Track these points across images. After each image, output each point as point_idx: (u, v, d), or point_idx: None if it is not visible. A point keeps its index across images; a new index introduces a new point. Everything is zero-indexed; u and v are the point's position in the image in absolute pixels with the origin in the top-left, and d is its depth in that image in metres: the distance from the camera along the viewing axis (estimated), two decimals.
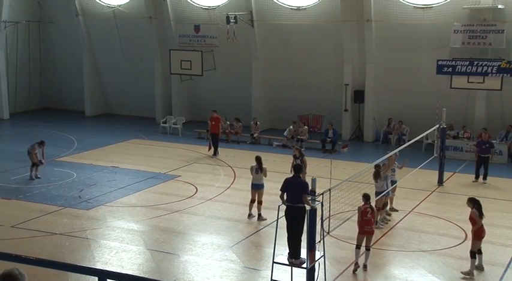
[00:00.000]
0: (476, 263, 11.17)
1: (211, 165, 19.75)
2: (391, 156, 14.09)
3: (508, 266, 11.52)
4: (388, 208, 14.57)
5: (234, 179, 17.88)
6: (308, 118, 25.10)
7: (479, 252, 11.18)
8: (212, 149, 20.96)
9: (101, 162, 19.55)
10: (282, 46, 25.06)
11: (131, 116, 28.33)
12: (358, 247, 11.23)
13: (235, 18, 23.74)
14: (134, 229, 13.70)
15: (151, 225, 13.95)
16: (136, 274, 11.05)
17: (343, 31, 23.50)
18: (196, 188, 16.90)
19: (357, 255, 11.22)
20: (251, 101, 25.91)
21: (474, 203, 11.19)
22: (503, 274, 11.20)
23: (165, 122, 25.58)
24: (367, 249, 11.32)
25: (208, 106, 26.50)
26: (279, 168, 17.77)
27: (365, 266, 11.31)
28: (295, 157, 15.95)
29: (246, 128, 23.98)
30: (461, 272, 11.03)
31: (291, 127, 23.09)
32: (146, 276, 10.93)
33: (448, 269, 11.46)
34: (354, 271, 11.18)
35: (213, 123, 21.20)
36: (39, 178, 17.45)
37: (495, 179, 17.73)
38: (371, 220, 11.30)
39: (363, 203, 11.42)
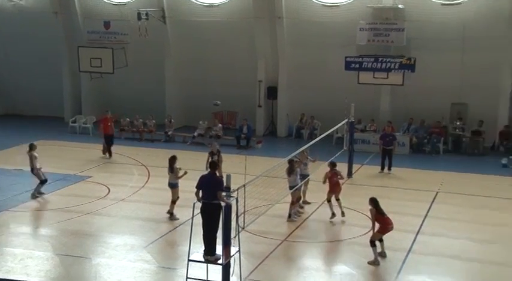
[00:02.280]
0: (379, 251, 11.78)
1: (124, 164, 19.36)
2: (303, 151, 14.52)
3: (409, 250, 12.22)
4: (301, 201, 14.99)
5: (148, 178, 17.65)
6: (222, 115, 25.23)
7: (380, 240, 11.80)
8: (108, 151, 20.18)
9: (3, 165, 18.56)
10: (195, 43, 24.97)
11: (38, 116, 27.12)
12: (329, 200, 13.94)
13: (146, 14, 23.37)
14: (41, 234, 13.18)
15: (60, 229, 13.46)
16: None
17: (255, 28, 23.82)
18: (108, 188, 16.51)
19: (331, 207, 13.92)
20: (165, 98, 25.65)
21: (371, 202, 11.76)
22: (405, 258, 11.89)
23: (74, 122, 24.77)
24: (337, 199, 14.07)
25: (120, 104, 25.96)
26: (194, 165, 17.72)
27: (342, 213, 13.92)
28: (211, 153, 16.00)
29: (160, 126, 23.71)
30: (368, 262, 11.58)
31: (200, 122, 23.09)
32: None
33: (357, 257, 11.98)
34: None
35: (109, 124, 20.45)
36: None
37: (399, 169, 18.70)
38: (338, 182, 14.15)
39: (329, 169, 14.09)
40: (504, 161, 19.48)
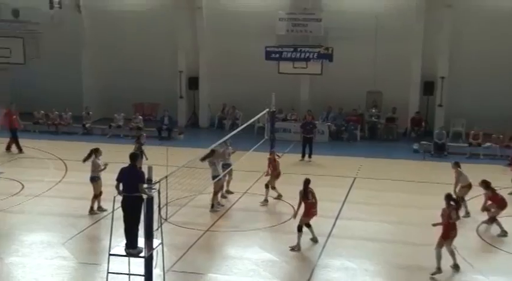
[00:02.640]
0: (310, 236, 12.13)
1: (38, 159, 18.62)
2: (225, 142, 14.58)
3: (329, 235, 12.65)
4: (224, 190, 15.09)
5: (66, 172, 17.09)
6: (143, 106, 24.83)
7: (308, 226, 12.13)
8: (13, 146, 19.39)
9: None
10: (112, 33, 24.33)
11: None
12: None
13: (59, 3, 22.45)
14: None
15: None
16: None
17: (175, 18, 23.55)
18: (22, 184, 15.84)
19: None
20: (82, 90, 24.84)
21: (304, 183, 12.28)
22: (326, 242, 12.30)
23: None
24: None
25: (34, 97, 24.87)
26: (114, 158, 17.33)
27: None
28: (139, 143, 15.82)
29: (77, 118, 22.96)
30: (289, 248, 11.86)
31: (116, 115, 22.64)
32: None
33: (280, 245, 12.24)
34: None
35: (14, 117, 19.63)
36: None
37: (319, 157, 19.22)
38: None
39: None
40: (415, 146, 20.51)
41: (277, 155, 15.70)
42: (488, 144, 19.82)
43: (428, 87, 22.49)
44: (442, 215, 10.80)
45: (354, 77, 22.92)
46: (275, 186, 14.86)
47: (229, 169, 14.96)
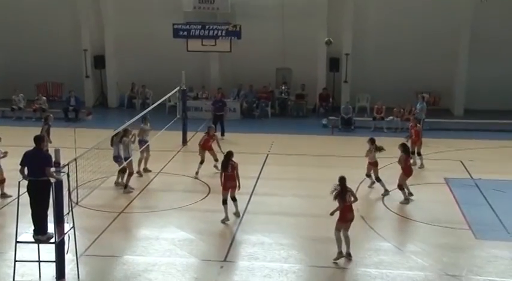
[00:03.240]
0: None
1: None
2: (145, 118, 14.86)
3: (244, 211, 12.82)
4: (142, 168, 14.89)
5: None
6: (46, 86, 23.72)
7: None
8: None
9: None
10: (9, 7, 22.85)
11: None
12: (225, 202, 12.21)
13: None
14: None
15: None
16: None
17: None
18: None
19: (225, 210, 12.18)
20: None
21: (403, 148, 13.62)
22: (241, 219, 12.47)
23: None
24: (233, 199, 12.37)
25: None
26: (18, 142, 16.47)
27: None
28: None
29: None
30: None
31: (14, 97, 21.53)
32: None
33: (196, 223, 12.31)
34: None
35: None
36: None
37: (231, 134, 19.33)
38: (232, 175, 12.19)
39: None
40: (324, 121, 21.20)
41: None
42: (390, 118, 20.87)
43: (334, 64, 23.17)
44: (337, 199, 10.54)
45: (263, 54, 23.13)
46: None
47: (146, 145, 14.77)
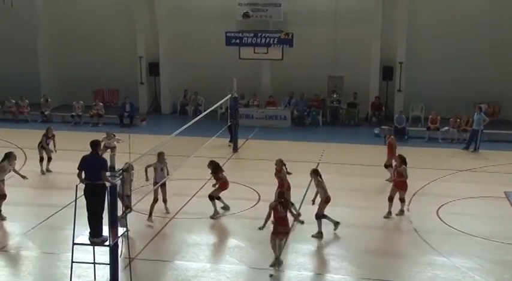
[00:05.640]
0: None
1: None
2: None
3: (294, 220, 12.72)
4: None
5: (25, 161, 16.67)
6: (103, 93, 24.42)
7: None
8: None
9: None
10: (69, 17, 23.74)
11: None
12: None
13: None
14: None
15: None
16: None
17: (133, 2, 23.09)
18: None
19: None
20: (39, 77, 24.19)
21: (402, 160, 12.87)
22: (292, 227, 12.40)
23: None
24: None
25: None
26: (73, 146, 17.03)
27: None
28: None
29: (36, 105, 22.42)
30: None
31: (74, 103, 22.21)
32: None
33: (246, 230, 12.31)
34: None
35: None
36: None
37: (281, 142, 19.26)
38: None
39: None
40: (376, 131, 20.87)
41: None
42: (446, 128, 20.34)
43: (387, 72, 22.84)
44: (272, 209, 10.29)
45: (315, 62, 23.06)
46: None
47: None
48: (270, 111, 22.32)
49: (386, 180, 15.24)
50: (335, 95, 23.03)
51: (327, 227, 12.35)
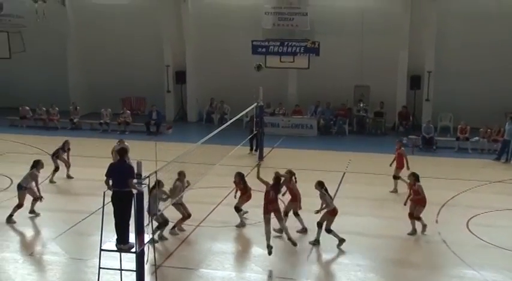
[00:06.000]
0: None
1: (28, 154, 18.38)
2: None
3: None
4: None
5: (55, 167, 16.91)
6: (131, 101, 24.71)
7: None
8: None
9: None
10: (98, 26, 24.12)
11: None
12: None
13: None
14: None
15: None
16: None
17: (160, 11, 23.39)
18: (11, 179, 15.65)
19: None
20: (68, 85, 24.61)
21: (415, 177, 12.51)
22: None
23: None
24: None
25: (20, 91, 24.67)
26: (101, 153, 17.25)
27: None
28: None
29: (64, 113, 22.79)
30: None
31: (102, 110, 22.49)
32: None
33: (271, 239, 12.21)
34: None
35: None
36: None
37: (307, 151, 19.17)
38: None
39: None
40: (404, 140, 20.54)
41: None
42: (476, 138, 19.98)
43: (415, 81, 22.61)
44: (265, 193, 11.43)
45: (341, 71, 22.98)
46: None
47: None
48: (296, 120, 22.26)
49: (390, 191, 15.12)
50: (361, 104, 22.87)
51: (350, 237, 12.21)
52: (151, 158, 11.17)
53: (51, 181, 15.72)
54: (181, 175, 12.63)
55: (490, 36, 21.57)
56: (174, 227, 12.48)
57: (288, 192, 12.75)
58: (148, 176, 10.07)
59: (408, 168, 14.84)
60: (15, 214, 12.87)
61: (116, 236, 9.92)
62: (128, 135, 21.00)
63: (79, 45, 24.53)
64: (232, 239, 12.32)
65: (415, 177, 12.60)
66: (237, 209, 12.93)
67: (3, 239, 12.03)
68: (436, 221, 13.06)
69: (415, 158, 19.16)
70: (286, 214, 12.46)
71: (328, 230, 11.71)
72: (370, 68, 22.82)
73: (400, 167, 15.17)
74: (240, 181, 13.13)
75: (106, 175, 10.04)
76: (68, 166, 16.10)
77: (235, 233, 12.61)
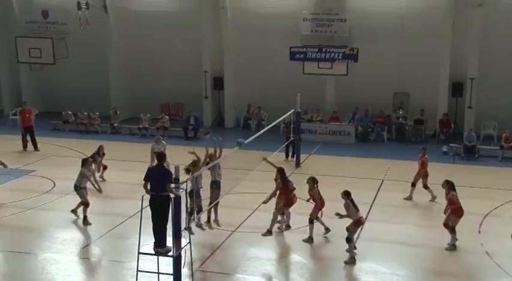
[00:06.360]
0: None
1: (69, 157, 18.82)
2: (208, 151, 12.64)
3: (357, 237, 12.44)
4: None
5: (102, 171, 17.23)
6: (169, 106, 24.99)
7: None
8: (29, 144, 19.71)
9: None
10: (138, 33, 24.51)
11: None
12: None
13: (86, 3, 22.69)
14: None
15: (3, 225, 13.01)
16: None
17: (199, 18, 23.60)
18: (53, 182, 16.03)
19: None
20: (109, 89, 25.08)
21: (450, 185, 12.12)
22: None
23: (15, 114, 23.78)
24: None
25: (63, 96, 25.30)
26: (140, 157, 17.49)
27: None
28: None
29: (105, 117, 23.24)
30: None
31: (141, 115, 22.78)
32: None
33: (307, 246, 12.17)
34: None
35: (27, 116, 19.98)
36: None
37: (345, 158, 18.96)
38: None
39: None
40: (445, 148, 20.16)
41: None
42: None
43: (457, 89, 22.13)
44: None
45: (380, 77, 22.69)
46: None
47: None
48: (334, 127, 22.07)
49: (404, 199, 14.95)
50: (401, 112, 22.51)
51: (389, 246, 12.00)
52: (189, 163, 11.27)
53: (102, 179, 16.03)
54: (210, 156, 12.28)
55: None
56: (209, 219, 12.48)
57: (312, 199, 12.69)
58: (186, 181, 10.15)
59: (426, 175, 14.86)
60: (88, 214, 13.08)
61: (153, 240, 10.02)
62: (166, 140, 21.17)
63: (120, 51, 24.98)
64: (268, 245, 12.26)
65: (449, 185, 12.17)
66: (311, 220, 12.54)
67: (44, 240, 12.32)
68: (479, 232, 12.70)
69: (456, 166, 18.81)
70: (311, 221, 12.35)
71: (349, 239, 11.40)
72: (410, 74, 22.46)
73: (424, 175, 14.86)
74: (278, 177, 12.86)
75: (144, 179, 10.17)
76: (103, 168, 16.34)
77: (271, 239, 12.53)
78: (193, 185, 11.40)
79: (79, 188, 13.21)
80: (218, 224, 12.62)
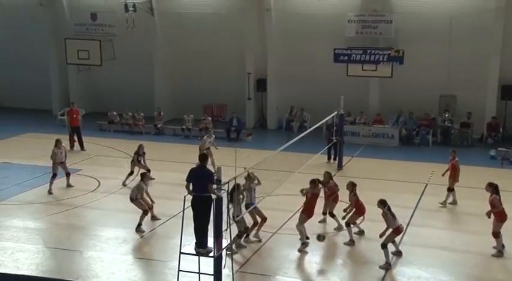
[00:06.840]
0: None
1: (113, 157, 19.28)
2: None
3: (400, 242, 12.24)
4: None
5: (139, 171, 17.50)
6: (212, 107, 25.22)
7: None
8: (76, 144, 20.20)
9: None
10: (183, 35, 24.85)
11: (24, 109, 26.86)
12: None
13: (134, 6, 23.21)
14: (31, 227, 13.09)
15: (51, 222, 13.42)
16: (34, 275, 10.63)
17: (243, 20, 23.74)
18: (98, 181, 16.43)
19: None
20: (154, 91, 25.52)
21: (493, 188, 11.77)
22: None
23: (63, 115, 24.53)
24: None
25: (109, 97, 25.90)
26: (183, 158, 17.71)
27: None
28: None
29: (149, 118, 23.65)
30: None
31: (185, 116, 23.06)
32: (45, 276, 10.55)
33: (349, 249, 12.09)
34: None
35: (74, 116, 20.51)
36: None
37: (389, 161, 18.69)
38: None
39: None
40: (492, 152, 19.61)
41: None
42: None
43: (506, 91, 21.49)
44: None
45: (426, 80, 22.28)
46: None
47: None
48: (377, 129, 21.78)
49: (447, 204, 14.57)
50: (447, 115, 22.03)
51: (432, 251, 11.74)
52: (231, 164, 11.33)
53: (124, 184, 16.08)
54: (249, 178, 12.27)
55: None
56: (247, 235, 12.36)
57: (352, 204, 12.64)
58: (228, 182, 10.21)
59: (457, 180, 14.64)
60: (143, 222, 13.06)
61: (195, 240, 10.13)
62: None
63: (165, 52, 25.38)
64: (309, 248, 12.18)
65: (492, 187, 11.81)
66: (348, 224, 12.45)
67: (89, 238, 12.63)
68: None
69: (503, 171, 18.26)
70: (348, 224, 12.33)
71: (384, 245, 11.16)
72: (457, 77, 21.96)
73: (453, 178, 14.59)
74: (328, 181, 13.15)
75: (186, 180, 10.28)
76: (147, 171, 16.58)
77: (313, 241, 12.46)
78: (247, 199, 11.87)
79: (134, 200, 13.20)
80: (259, 239, 12.51)
